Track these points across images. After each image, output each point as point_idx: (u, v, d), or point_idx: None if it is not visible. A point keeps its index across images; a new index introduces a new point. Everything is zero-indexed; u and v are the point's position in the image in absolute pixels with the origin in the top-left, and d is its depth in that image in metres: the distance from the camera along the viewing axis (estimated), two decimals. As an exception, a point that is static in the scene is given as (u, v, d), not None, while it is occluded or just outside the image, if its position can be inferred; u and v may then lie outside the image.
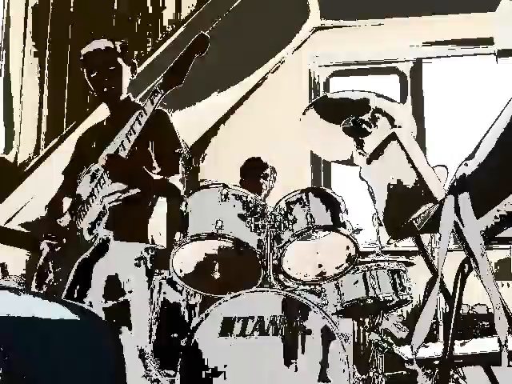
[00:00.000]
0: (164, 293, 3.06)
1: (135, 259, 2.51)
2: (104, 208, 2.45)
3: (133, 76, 2.70)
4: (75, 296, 2.43)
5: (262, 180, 4.01)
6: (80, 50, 2.66)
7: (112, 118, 2.73)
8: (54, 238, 2.55)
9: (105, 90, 2.60)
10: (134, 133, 2.39)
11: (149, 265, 2.54)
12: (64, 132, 3.99)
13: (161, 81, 2.42)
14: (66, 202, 2.66)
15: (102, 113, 2.92)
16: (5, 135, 4.12)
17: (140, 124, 2.38)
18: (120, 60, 2.62)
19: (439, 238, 1.49)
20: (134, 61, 2.72)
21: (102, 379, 1.39)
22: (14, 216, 3.91)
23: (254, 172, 4.02)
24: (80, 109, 4.01)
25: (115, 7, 4.25)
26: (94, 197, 2.47)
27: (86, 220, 2.49)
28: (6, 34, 4.22)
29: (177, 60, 2.43)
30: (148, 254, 2.55)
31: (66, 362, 1.32)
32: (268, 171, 4.04)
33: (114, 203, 2.54)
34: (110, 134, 2.62)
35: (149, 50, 4.17)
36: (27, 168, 3.95)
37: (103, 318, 2.24)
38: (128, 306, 2.44)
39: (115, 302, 2.41)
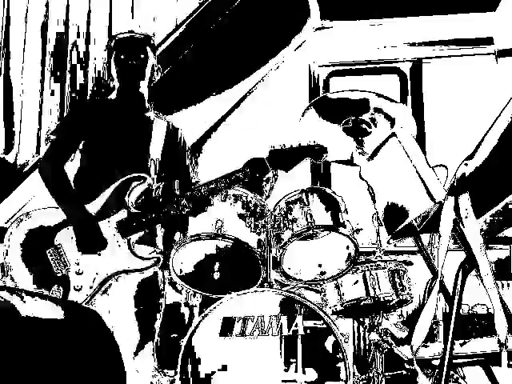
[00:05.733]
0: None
1: None
2: None
3: (155, 78, 2.77)
4: None
5: (263, 183, 3.92)
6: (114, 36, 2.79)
7: (118, 102, 2.74)
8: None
9: (128, 71, 2.67)
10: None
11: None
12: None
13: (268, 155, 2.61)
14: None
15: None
16: (5, 135, 4.12)
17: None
18: (150, 53, 2.73)
19: (439, 238, 1.49)
20: (159, 65, 2.82)
21: (100, 377, 1.39)
22: (13, 216, 3.90)
23: (254, 175, 3.92)
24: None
25: (114, 7, 4.25)
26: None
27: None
28: (6, 34, 4.22)
29: (289, 149, 2.52)
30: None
31: (62, 359, 1.32)
32: (270, 174, 3.92)
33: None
34: (110, 114, 2.70)
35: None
36: (27, 168, 3.95)
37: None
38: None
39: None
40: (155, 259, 2.49)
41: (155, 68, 2.76)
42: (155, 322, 2.56)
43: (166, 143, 2.75)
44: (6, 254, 2.45)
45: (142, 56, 2.68)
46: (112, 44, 2.74)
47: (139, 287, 2.51)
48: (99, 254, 2.45)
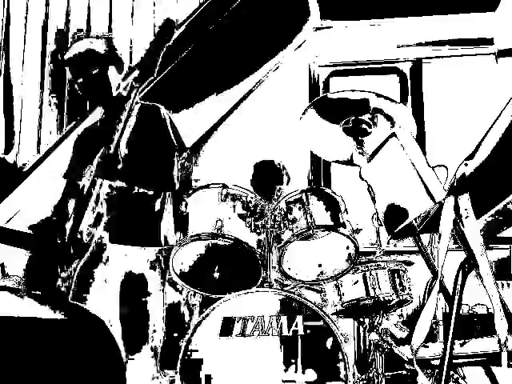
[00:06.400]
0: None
1: (151, 262, 2.54)
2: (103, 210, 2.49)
3: (120, 72, 2.68)
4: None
5: (275, 191, 3.81)
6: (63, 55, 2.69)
7: (106, 118, 2.73)
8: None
9: (91, 94, 2.64)
10: (118, 130, 2.43)
11: (162, 266, 2.58)
12: (64, 132, 3.99)
13: (136, 74, 2.43)
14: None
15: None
16: (5, 135, 4.12)
17: (120, 120, 2.42)
18: (103, 60, 2.60)
19: (439, 238, 1.49)
20: (121, 56, 2.70)
21: (100, 377, 1.39)
22: (14, 216, 3.91)
23: (268, 182, 3.77)
24: (80, 108, 4.01)
25: (114, 7, 4.25)
26: (91, 197, 2.47)
27: (85, 221, 2.48)
28: (6, 34, 4.22)
29: (147, 51, 2.44)
30: (162, 255, 2.59)
31: (62, 360, 1.32)
32: (284, 186, 3.77)
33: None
34: (105, 133, 2.63)
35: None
36: (27, 168, 3.95)
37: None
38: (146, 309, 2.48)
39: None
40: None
41: (120, 68, 2.66)
42: (147, 322, 2.53)
43: (141, 122, 2.64)
44: None
45: (96, 71, 2.57)
46: (65, 65, 2.66)
47: (123, 286, 2.49)
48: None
